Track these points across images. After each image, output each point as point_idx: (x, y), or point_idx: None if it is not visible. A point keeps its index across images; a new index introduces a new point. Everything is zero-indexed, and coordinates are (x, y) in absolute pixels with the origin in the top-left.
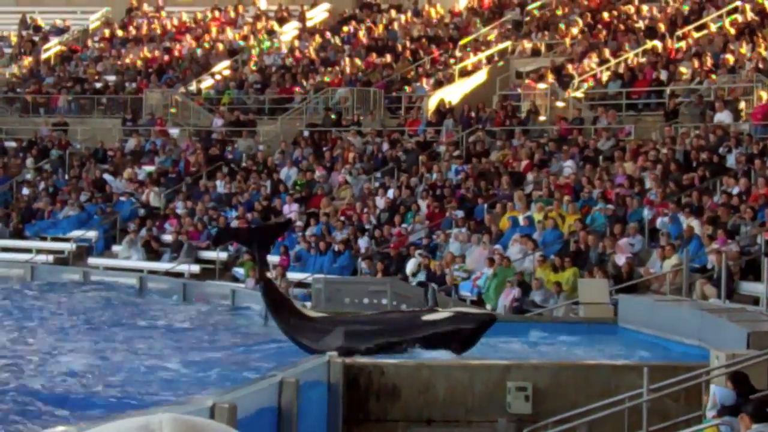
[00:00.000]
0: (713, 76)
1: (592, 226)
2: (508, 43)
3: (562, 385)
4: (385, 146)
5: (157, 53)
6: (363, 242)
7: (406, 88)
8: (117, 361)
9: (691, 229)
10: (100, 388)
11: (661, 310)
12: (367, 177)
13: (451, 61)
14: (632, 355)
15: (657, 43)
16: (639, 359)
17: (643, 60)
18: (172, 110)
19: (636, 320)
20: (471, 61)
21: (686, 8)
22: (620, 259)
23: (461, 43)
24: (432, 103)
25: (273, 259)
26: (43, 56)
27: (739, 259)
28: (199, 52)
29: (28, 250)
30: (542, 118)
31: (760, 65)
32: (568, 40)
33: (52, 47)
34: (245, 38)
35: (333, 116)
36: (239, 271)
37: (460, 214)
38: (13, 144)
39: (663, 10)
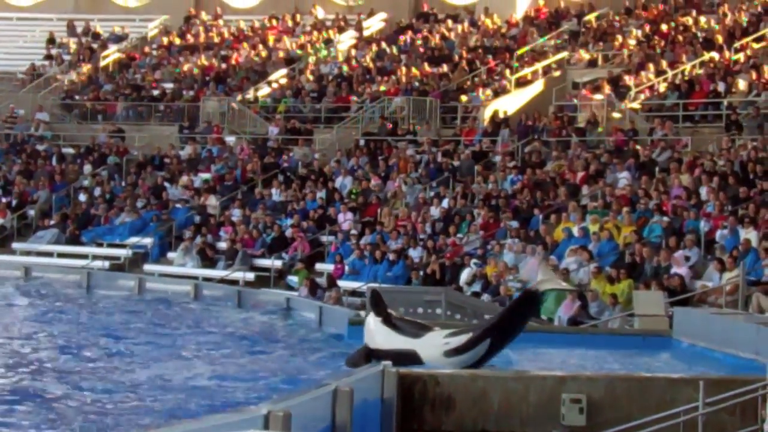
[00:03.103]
0: None
1: (648, 238)
2: (564, 54)
3: (617, 397)
4: (441, 156)
5: (214, 61)
6: (416, 252)
7: (463, 97)
8: (173, 369)
9: (748, 242)
10: (155, 397)
11: (717, 322)
12: (422, 186)
13: (507, 71)
14: (688, 368)
15: (714, 55)
16: (695, 372)
17: (700, 71)
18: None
19: (691, 333)
20: (527, 71)
21: (745, 20)
22: (682, 270)
23: (518, 53)
24: (488, 113)
25: (327, 267)
26: (102, 63)
27: None
28: (256, 60)
29: (84, 256)
30: (598, 129)
31: None
32: (625, 51)
33: (111, 54)
34: (302, 47)
35: (389, 125)
36: (294, 279)
37: (514, 224)
38: (71, 150)
39: (721, 22)
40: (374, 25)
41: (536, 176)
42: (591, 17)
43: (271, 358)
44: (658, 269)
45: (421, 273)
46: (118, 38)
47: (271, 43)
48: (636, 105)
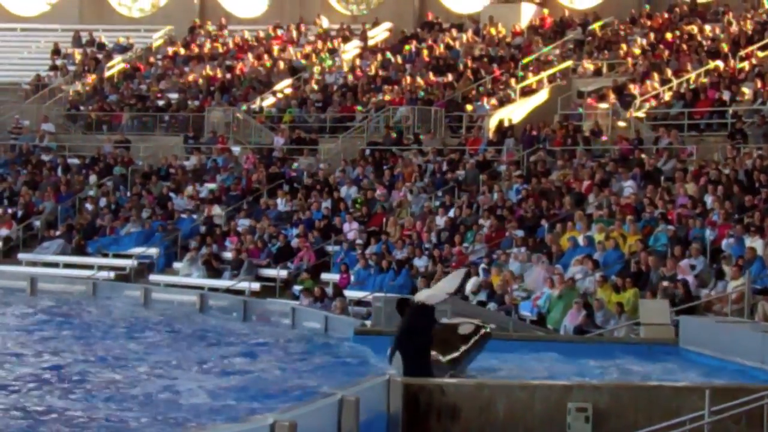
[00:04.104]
0: None
1: (654, 247)
2: (569, 63)
3: (623, 406)
4: (446, 165)
5: (219, 71)
6: (421, 261)
7: (468, 107)
8: (179, 379)
9: (753, 251)
10: (162, 407)
11: (723, 331)
12: (427, 196)
13: (512, 80)
14: (693, 376)
15: (719, 64)
16: (700, 381)
17: (705, 80)
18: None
19: (697, 341)
20: (532, 80)
21: (750, 28)
22: (689, 279)
23: (523, 62)
24: (493, 123)
25: (333, 277)
26: (107, 74)
27: None
28: (261, 70)
29: (90, 267)
30: (603, 137)
31: None
32: (630, 60)
33: (116, 65)
34: (307, 57)
35: (394, 135)
36: (299, 289)
37: (520, 233)
38: (77, 161)
39: (726, 30)
40: (379, 34)
41: (541, 185)
42: (596, 26)
43: (276, 367)
44: (664, 278)
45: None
46: (123, 49)
47: (275, 53)
48: (641, 114)
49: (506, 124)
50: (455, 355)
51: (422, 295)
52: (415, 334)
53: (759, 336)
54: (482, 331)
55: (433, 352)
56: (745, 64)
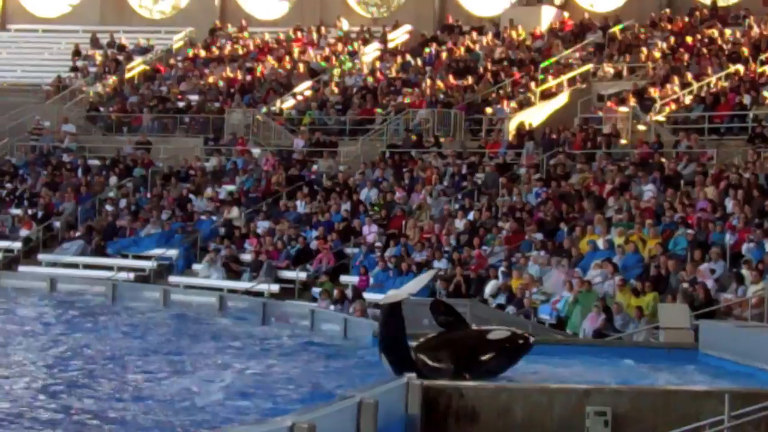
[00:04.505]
0: None
1: (674, 251)
2: (589, 66)
3: (642, 410)
4: (465, 168)
5: (239, 73)
6: (440, 264)
7: (488, 110)
8: (198, 381)
9: None
10: (181, 409)
11: (743, 335)
12: (447, 199)
13: (532, 83)
14: (713, 381)
15: (740, 67)
16: (720, 385)
17: (725, 84)
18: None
19: (717, 346)
20: (552, 83)
21: None
22: (709, 283)
23: (543, 65)
24: (513, 126)
25: (352, 279)
26: (127, 75)
27: None
28: (281, 72)
29: (109, 268)
30: (623, 141)
31: None
32: (650, 64)
33: (136, 66)
34: (327, 59)
35: (413, 137)
36: (318, 291)
37: (539, 236)
38: (97, 162)
39: (746, 34)
40: (399, 37)
41: (561, 189)
42: (616, 29)
43: (295, 369)
44: (684, 282)
45: (446, 285)
46: (144, 50)
47: (296, 55)
48: (661, 117)
49: (526, 127)
50: (483, 358)
51: (385, 298)
52: (390, 336)
53: None
54: (520, 340)
55: (445, 356)
56: (766, 68)
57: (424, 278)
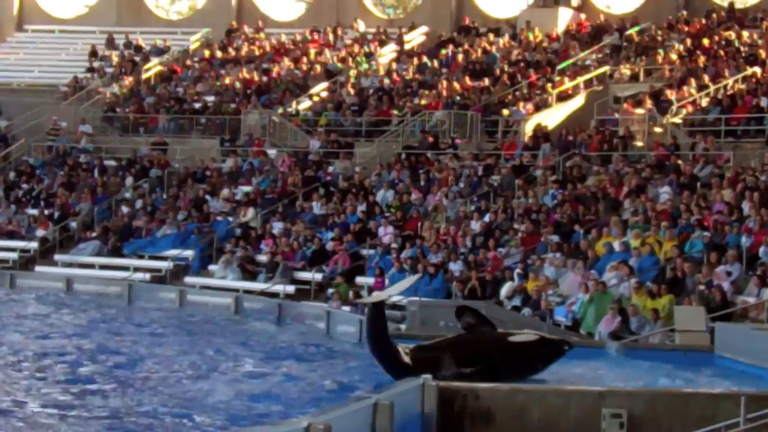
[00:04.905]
0: None
1: (690, 253)
2: (606, 68)
3: (658, 412)
4: (482, 170)
5: (255, 74)
6: (456, 266)
7: (504, 111)
8: (214, 382)
9: None
10: (197, 410)
11: (759, 338)
12: (463, 200)
13: (549, 85)
14: (729, 383)
15: (757, 70)
16: (736, 388)
17: (742, 86)
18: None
19: (733, 349)
20: (569, 85)
21: None
22: (725, 286)
23: (559, 67)
24: (529, 127)
25: (368, 280)
26: (144, 76)
27: None
28: (297, 73)
29: (125, 268)
30: (639, 143)
31: None
32: (667, 66)
33: (153, 67)
34: (343, 60)
35: (430, 139)
36: (331, 291)
37: (555, 238)
38: (113, 163)
39: (764, 36)
40: (415, 38)
41: (577, 191)
42: (633, 32)
43: (310, 370)
44: (700, 284)
45: (462, 287)
46: (160, 51)
47: (312, 56)
48: (678, 120)
49: (542, 129)
50: (498, 359)
51: (368, 298)
52: (375, 335)
53: None
54: (550, 345)
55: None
56: None
57: (406, 282)
